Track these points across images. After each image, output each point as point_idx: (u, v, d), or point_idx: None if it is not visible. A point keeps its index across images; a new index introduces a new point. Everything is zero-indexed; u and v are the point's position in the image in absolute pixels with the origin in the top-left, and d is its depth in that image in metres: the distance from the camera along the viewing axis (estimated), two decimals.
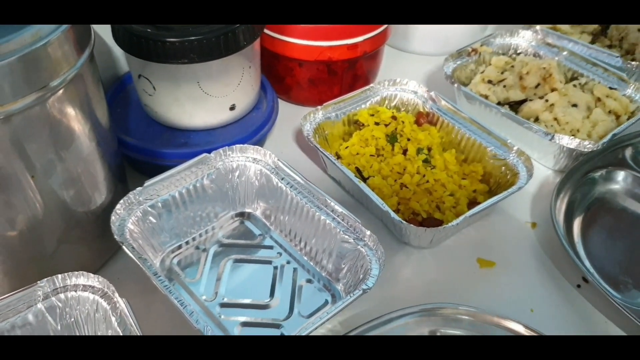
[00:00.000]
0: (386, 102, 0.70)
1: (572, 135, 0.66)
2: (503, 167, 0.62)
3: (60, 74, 0.41)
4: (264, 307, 0.51)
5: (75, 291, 0.45)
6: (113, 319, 0.43)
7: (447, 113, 0.67)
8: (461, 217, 0.54)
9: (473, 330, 0.47)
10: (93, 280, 0.45)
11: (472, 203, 0.59)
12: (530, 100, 0.70)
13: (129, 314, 0.43)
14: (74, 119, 0.45)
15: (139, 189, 0.53)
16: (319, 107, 0.66)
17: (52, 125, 0.43)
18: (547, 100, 0.68)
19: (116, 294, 0.44)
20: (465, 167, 0.63)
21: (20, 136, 0.41)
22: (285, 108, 0.75)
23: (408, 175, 0.60)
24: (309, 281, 0.54)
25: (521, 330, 0.47)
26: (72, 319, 0.45)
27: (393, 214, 0.53)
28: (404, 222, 0.53)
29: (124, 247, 0.48)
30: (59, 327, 0.45)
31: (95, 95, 0.49)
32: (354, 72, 0.72)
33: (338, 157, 0.65)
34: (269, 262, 0.55)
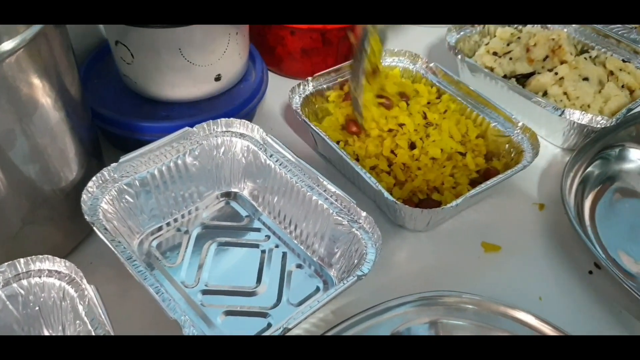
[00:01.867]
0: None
1: (583, 111, 0.61)
2: (507, 145, 0.57)
3: (19, 32, 0.37)
4: (250, 294, 0.47)
5: (40, 277, 0.41)
6: (80, 307, 0.39)
7: (448, 86, 0.62)
8: (461, 198, 0.49)
9: (478, 321, 0.43)
10: (59, 264, 0.41)
11: (473, 183, 0.54)
12: (539, 73, 0.65)
13: (97, 302, 0.39)
14: (37, 86, 0.41)
15: (113, 165, 0.49)
16: (309, 78, 0.61)
17: (11, 90, 0.38)
18: (556, 74, 0.63)
19: (84, 280, 0.40)
20: (467, 143, 0.58)
21: None
22: (275, 81, 0.71)
23: (403, 151, 0.56)
24: (299, 266, 0.49)
25: (531, 320, 0.43)
26: (37, 308, 0.41)
27: (387, 194, 0.49)
28: (398, 202, 0.49)
29: (95, 228, 0.44)
30: (22, 317, 0.40)
31: (62, 61, 0.44)
32: (350, 42, 0.67)
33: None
34: (256, 246, 0.51)
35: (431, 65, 0.64)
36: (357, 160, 0.56)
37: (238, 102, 0.59)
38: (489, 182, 0.51)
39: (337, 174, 0.59)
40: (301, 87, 0.61)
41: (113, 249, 0.42)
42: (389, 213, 0.54)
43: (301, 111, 0.58)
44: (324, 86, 0.62)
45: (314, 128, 0.56)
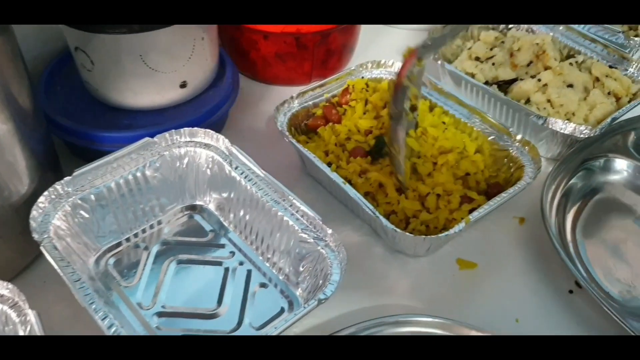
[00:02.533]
0: None
1: (567, 119, 0.59)
2: (505, 159, 0.54)
3: None
4: (210, 316, 0.44)
5: None
6: (21, 333, 0.37)
7: (439, 98, 0.59)
8: (463, 223, 0.45)
9: None
10: (1, 287, 0.38)
11: (465, 198, 0.51)
12: (521, 79, 0.63)
13: (38, 329, 0.36)
14: None
15: (67, 178, 0.46)
16: (294, 95, 0.57)
17: None
18: (539, 80, 0.61)
19: (27, 305, 0.37)
20: (463, 162, 0.53)
21: None
22: (250, 87, 0.68)
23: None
24: (263, 285, 0.47)
25: None
26: None
27: (385, 221, 0.45)
28: (398, 230, 0.45)
29: (42, 247, 0.41)
30: None
31: (9, 70, 0.42)
32: (326, 47, 0.65)
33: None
34: (219, 264, 0.48)
35: None
36: (350, 183, 0.51)
37: (206, 109, 0.56)
38: (492, 203, 0.48)
39: (327, 195, 0.56)
40: (286, 105, 0.57)
41: (59, 270, 0.40)
42: (387, 239, 0.51)
43: (287, 130, 0.54)
44: (310, 103, 0.58)
45: (302, 151, 0.52)
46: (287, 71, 0.66)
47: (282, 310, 0.45)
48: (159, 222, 0.51)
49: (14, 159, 0.43)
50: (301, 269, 0.46)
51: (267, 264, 0.48)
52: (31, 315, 0.37)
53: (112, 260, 0.48)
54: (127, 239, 0.50)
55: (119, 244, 0.49)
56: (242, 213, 0.50)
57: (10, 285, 0.38)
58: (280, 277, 0.47)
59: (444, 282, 0.49)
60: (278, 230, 0.47)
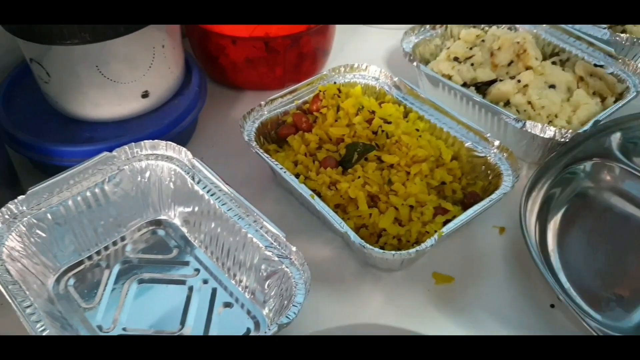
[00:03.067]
0: None
1: (549, 122, 0.57)
2: (483, 166, 0.52)
3: None
4: None
5: None
6: None
7: (415, 102, 0.57)
8: (433, 238, 0.43)
9: None
10: None
11: (439, 208, 0.48)
12: (501, 80, 0.60)
13: None
14: None
15: (20, 197, 0.44)
16: (262, 102, 0.55)
17: None
18: (519, 81, 0.58)
19: None
20: (438, 171, 0.51)
21: None
22: (221, 93, 0.66)
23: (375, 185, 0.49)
24: (228, 305, 0.45)
25: None
26: None
27: (354, 236, 0.43)
28: (367, 246, 0.43)
29: None
30: None
31: None
32: (298, 50, 0.62)
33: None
34: (183, 282, 0.46)
35: (395, 79, 0.58)
36: (319, 195, 0.49)
37: (171, 119, 0.54)
38: (467, 214, 0.46)
39: (299, 206, 0.54)
40: (254, 113, 0.54)
41: (8, 297, 0.38)
42: (359, 253, 0.49)
43: (255, 140, 0.52)
44: (280, 110, 0.56)
45: (269, 162, 0.50)
46: (258, 76, 0.63)
47: (248, 331, 0.43)
48: (122, 239, 0.49)
49: None
50: (267, 288, 0.44)
51: (233, 282, 0.46)
52: None
53: (72, 281, 0.46)
54: (89, 257, 0.48)
55: (80, 263, 0.47)
56: (207, 228, 0.48)
57: None
58: (247, 296, 0.45)
59: (418, 297, 0.47)
60: (243, 247, 0.45)
